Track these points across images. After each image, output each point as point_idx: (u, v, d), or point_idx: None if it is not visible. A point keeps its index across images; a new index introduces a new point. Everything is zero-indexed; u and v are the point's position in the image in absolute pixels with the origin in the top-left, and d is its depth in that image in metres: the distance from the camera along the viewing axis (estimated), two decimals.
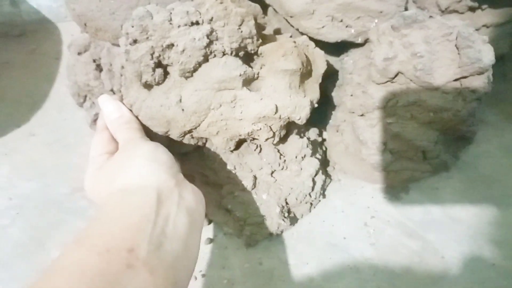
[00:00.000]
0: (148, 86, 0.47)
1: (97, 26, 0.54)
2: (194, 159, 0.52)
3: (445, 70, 0.47)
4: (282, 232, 0.52)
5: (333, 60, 0.62)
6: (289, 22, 0.56)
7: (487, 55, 0.47)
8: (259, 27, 0.49)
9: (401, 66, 0.47)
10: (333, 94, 0.59)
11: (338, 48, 0.60)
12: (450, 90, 0.48)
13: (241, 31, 0.45)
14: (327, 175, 0.57)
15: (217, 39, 0.44)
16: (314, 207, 0.55)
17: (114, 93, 0.60)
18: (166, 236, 0.29)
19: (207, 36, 0.43)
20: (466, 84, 0.48)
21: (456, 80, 0.48)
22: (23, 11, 0.73)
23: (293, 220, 0.53)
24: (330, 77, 0.60)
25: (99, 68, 0.60)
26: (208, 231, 0.54)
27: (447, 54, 0.47)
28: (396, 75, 0.48)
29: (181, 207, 0.33)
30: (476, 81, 0.48)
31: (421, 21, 0.47)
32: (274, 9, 0.59)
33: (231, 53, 0.45)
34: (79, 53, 0.62)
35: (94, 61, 0.60)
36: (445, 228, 0.55)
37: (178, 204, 0.33)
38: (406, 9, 0.61)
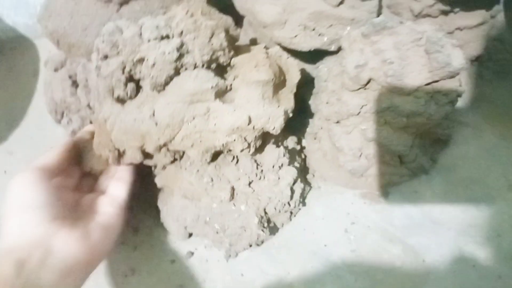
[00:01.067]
0: (121, 100, 0.47)
1: (70, 43, 0.54)
2: (171, 173, 0.52)
3: (416, 75, 0.47)
4: (262, 242, 0.52)
5: (309, 67, 0.63)
6: (263, 33, 0.57)
7: (457, 59, 0.48)
8: (232, 39, 0.50)
9: (372, 72, 0.48)
10: (310, 102, 0.59)
11: (314, 56, 0.60)
12: (422, 94, 0.48)
13: (212, 44, 0.45)
14: (306, 182, 0.57)
15: (187, 52, 0.44)
16: (294, 216, 0.55)
17: (90, 108, 0.60)
18: None
19: (177, 49, 0.43)
20: (437, 88, 0.49)
21: (427, 84, 0.48)
22: None
23: (273, 229, 0.53)
24: (307, 85, 0.61)
25: (75, 84, 0.60)
26: (188, 244, 0.53)
27: (417, 59, 0.48)
28: (368, 82, 0.49)
29: (48, 263, 0.30)
30: (447, 84, 0.49)
31: (390, 28, 0.48)
32: (249, 20, 0.59)
33: (203, 66, 0.45)
34: (55, 70, 0.62)
35: (70, 77, 0.60)
36: (426, 232, 0.55)
37: (43, 263, 0.30)
38: (378, 15, 0.62)
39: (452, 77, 0.49)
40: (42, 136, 0.65)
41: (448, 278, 0.50)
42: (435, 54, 0.47)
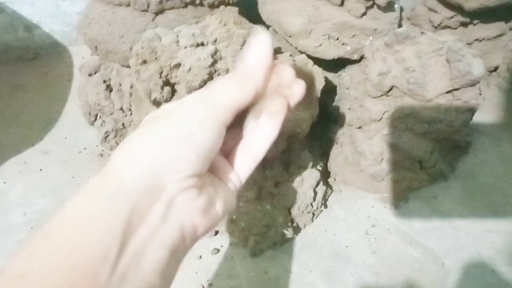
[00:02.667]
0: (157, 103, 0.50)
1: (107, 49, 0.57)
2: None
3: (437, 83, 0.49)
4: (286, 241, 0.54)
5: (331, 76, 0.65)
6: (288, 42, 0.59)
7: (477, 68, 0.50)
8: None
9: (394, 80, 0.50)
10: (332, 108, 0.61)
11: (336, 64, 0.63)
12: (443, 102, 0.50)
13: (244, 51, 0.48)
14: (328, 186, 0.59)
15: (221, 59, 0.47)
16: (317, 217, 0.57)
17: (123, 111, 0.63)
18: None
19: (212, 56, 0.46)
20: (458, 96, 0.51)
21: (448, 92, 0.50)
22: (36, 36, 0.77)
23: (296, 229, 0.55)
24: (329, 92, 0.63)
25: (109, 88, 0.63)
26: (214, 241, 0.56)
27: (438, 68, 0.50)
28: (390, 89, 0.51)
29: (162, 236, 0.21)
30: (467, 92, 0.51)
31: (412, 38, 0.50)
32: (274, 30, 0.62)
33: None
34: (89, 75, 0.66)
35: (104, 81, 0.64)
36: (445, 236, 0.56)
37: (155, 232, 0.20)
38: (399, 26, 0.64)
39: (472, 85, 0.51)
40: (76, 138, 0.68)
41: (467, 282, 0.51)
42: (456, 63, 0.49)
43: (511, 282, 0.51)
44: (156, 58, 0.46)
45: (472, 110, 0.52)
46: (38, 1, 0.71)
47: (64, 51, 0.79)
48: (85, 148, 0.67)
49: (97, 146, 0.66)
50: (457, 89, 0.50)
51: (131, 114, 0.62)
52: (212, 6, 0.56)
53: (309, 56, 0.57)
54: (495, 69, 0.76)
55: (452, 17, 0.66)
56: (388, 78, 0.50)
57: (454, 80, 0.49)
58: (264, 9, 0.59)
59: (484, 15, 0.66)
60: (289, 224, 0.53)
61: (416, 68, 0.48)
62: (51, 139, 0.68)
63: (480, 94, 0.54)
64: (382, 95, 0.52)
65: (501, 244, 0.55)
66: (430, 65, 0.49)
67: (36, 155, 0.66)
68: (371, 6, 0.56)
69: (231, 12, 0.51)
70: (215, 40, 0.47)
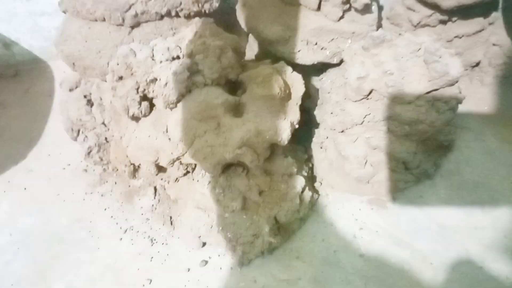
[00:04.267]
0: (135, 118, 0.49)
1: (85, 65, 0.56)
2: (184, 185, 0.54)
3: (416, 84, 0.49)
4: (274, 249, 0.54)
5: (313, 80, 0.65)
6: (267, 48, 0.59)
7: (455, 68, 0.50)
8: (239, 56, 0.52)
9: (373, 83, 0.50)
10: (315, 112, 0.61)
11: (317, 68, 0.63)
12: (423, 103, 0.50)
13: (221, 62, 0.48)
14: (314, 190, 0.59)
15: (198, 72, 0.47)
16: (304, 223, 0.57)
17: (105, 125, 0.63)
18: None
19: (188, 69, 0.45)
20: (437, 97, 0.51)
21: (427, 93, 0.50)
22: (16, 52, 0.76)
23: (285, 237, 0.55)
24: (311, 97, 0.63)
25: (90, 103, 0.63)
26: (202, 253, 0.55)
27: (416, 69, 0.50)
28: (370, 92, 0.51)
29: None
30: (447, 92, 0.51)
31: (389, 40, 0.50)
32: (253, 37, 0.62)
33: (212, 83, 0.48)
34: (70, 90, 0.65)
35: (85, 96, 0.63)
36: (433, 235, 0.57)
37: None
38: (378, 27, 0.64)
39: (451, 85, 0.51)
40: (59, 154, 0.68)
41: (456, 280, 0.52)
42: (433, 64, 0.49)
43: (500, 278, 0.52)
44: (132, 74, 0.46)
45: (453, 110, 0.52)
46: (15, 18, 0.71)
47: (45, 66, 0.78)
48: (69, 164, 0.66)
49: (81, 161, 0.66)
50: (436, 90, 0.50)
51: (112, 128, 0.62)
52: (188, 17, 0.56)
53: (288, 62, 0.57)
54: (477, 64, 0.77)
55: (430, 15, 0.66)
56: (367, 82, 0.50)
57: (433, 81, 0.49)
58: (242, 17, 0.59)
59: (462, 12, 0.66)
60: (277, 231, 0.53)
61: (394, 71, 0.48)
62: (35, 156, 0.68)
63: (460, 93, 0.54)
64: (362, 98, 0.52)
65: (489, 241, 0.56)
66: (408, 67, 0.49)
67: (20, 173, 0.66)
68: (348, 9, 0.56)
69: (207, 24, 0.51)
70: (191, 53, 0.47)
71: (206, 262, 0.55)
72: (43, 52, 0.79)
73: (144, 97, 0.47)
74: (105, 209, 0.62)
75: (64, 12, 0.59)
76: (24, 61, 0.78)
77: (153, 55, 0.47)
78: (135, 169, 0.56)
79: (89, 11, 0.53)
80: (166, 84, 0.45)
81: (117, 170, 0.59)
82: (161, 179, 0.55)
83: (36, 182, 0.65)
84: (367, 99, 0.52)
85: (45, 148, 0.70)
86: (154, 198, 0.60)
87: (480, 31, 0.72)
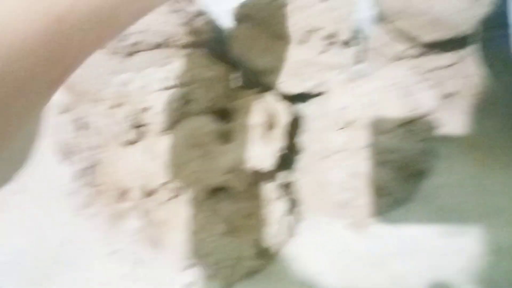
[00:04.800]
0: (127, 144, 0.51)
1: (80, 90, 0.58)
2: (171, 208, 0.56)
3: (393, 115, 0.53)
4: (256, 272, 0.56)
5: (299, 108, 0.68)
6: (256, 78, 0.62)
7: (429, 101, 0.54)
8: (229, 86, 0.55)
9: (354, 114, 0.53)
10: (299, 139, 0.64)
11: (303, 97, 0.66)
12: (399, 133, 0.53)
13: (211, 92, 0.50)
14: (296, 215, 0.61)
15: (189, 101, 0.49)
16: (286, 246, 0.59)
17: (95, 149, 0.64)
18: None
19: (181, 99, 0.48)
20: (413, 127, 0.54)
21: (404, 124, 0.54)
22: None
23: (266, 260, 0.57)
24: (297, 124, 0.66)
25: (79, 127, 0.64)
26: (187, 276, 0.57)
27: (394, 101, 0.53)
28: (351, 122, 0.54)
29: None
30: (421, 124, 0.55)
31: (369, 74, 0.54)
32: (243, 66, 0.65)
33: (203, 112, 0.50)
34: (61, 113, 0.67)
35: (75, 120, 0.65)
36: (409, 259, 0.59)
37: None
38: (362, 59, 0.68)
39: (425, 116, 0.55)
40: (49, 175, 0.69)
41: None
42: (408, 98, 0.53)
43: None
44: (125, 102, 0.48)
45: (427, 139, 0.56)
46: None
47: None
48: (58, 186, 0.67)
49: (70, 183, 0.67)
50: (412, 121, 0.54)
51: (102, 152, 0.63)
52: (182, 47, 0.58)
53: (276, 92, 0.60)
54: (452, 94, 0.81)
55: (410, 48, 0.70)
56: (348, 112, 0.53)
57: (409, 112, 0.52)
58: (233, 48, 0.62)
59: (440, 46, 0.70)
60: (259, 255, 0.55)
61: (372, 103, 0.52)
62: (25, 178, 0.69)
63: (434, 123, 0.57)
64: (343, 127, 0.55)
65: (461, 263, 0.58)
66: (386, 99, 0.53)
67: (10, 195, 0.66)
68: (332, 43, 0.60)
69: (200, 54, 0.54)
70: (184, 83, 0.50)
71: (191, 284, 0.56)
72: None
73: (136, 124, 0.49)
74: (92, 231, 0.63)
75: None
76: None
77: (146, 84, 0.49)
78: (123, 193, 0.57)
79: None
80: (158, 112, 0.47)
81: (106, 192, 0.60)
82: (149, 202, 0.57)
83: (26, 203, 0.66)
84: (348, 128, 0.55)
85: (35, 170, 0.71)
86: (141, 221, 0.62)
87: (456, 63, 0.76)
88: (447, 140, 0.76)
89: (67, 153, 0.66)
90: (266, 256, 0.58)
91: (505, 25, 0.66)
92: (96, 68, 0.58)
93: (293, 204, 0.63)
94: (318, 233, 0.62)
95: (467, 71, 0.82)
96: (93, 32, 0.19)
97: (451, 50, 0.74)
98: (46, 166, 0.70)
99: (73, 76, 0.59)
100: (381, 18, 0.72)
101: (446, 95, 0.80)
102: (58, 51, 0.17)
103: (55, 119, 0.66)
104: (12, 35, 0.15)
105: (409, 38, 0.67)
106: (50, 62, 0.17)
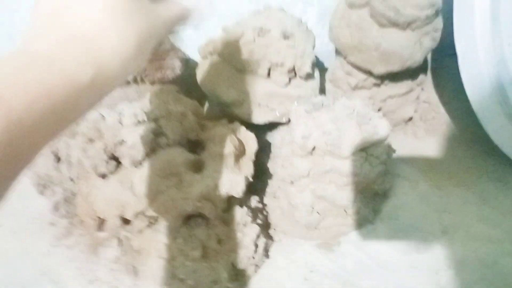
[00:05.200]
0: (103, 175, 0.54)
1: None
2: (148, 235, 0.58)
3: (351, 142, 0.57)
4: None
5: (266, 135, 0.72)
6: (224, 110, 0.66)
7: (383, 128, 0.59)
8: (199, 118, 0.59)
9: (315, 142, 0.58)
10: (268, 165, 0.68)
11: (270, 126, 0.71)
12: (358, 158, 0.58)
13: (182, 125, 0.54)
14: (268, 237, 0.64)
15: (161, 134, 0.53)
16: (259, 268, 0.62)
17: (72, 181, 0.67)
18: None
19: (153, 132, 0.51)
20: (370, 152, 0.59)
21: (361, 150, 0.58)
22: None
23: (241, 282, 0.60)
24: (265, 151, 0.70)
25: (57, 159, 0.67)
26: None
27: (351, 129, 0.58)
28: (313, 149, 0.58)
29: None
30: (377, 149, 0.60)
31: (327, 105, 0.59)
32: (212, 99, 0.69)
33: (174, 144, 0.54)
34: None
35: (53, 152, 0.67)
36: (375, 275, 0.63)
37: None
38: (321, 89, 0.74)
39: (381, 142, 0.60)
40: (26, 208, 0.70)
41: None
42: (364, 126, 0.58)
43: None
44: (101, 136, 0.52)
45: (384, 163, 0.61)
46: None
47: None
48: (36, 218, 0.69)
49: (48, 215, 0.68)
50: (368, 147, 0.59)
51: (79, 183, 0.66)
52: (152, 83, 0.63)
53: (243, 122, 0.65)
54: (410, 119, 0.88)
55: (366, 79, 0.76)
56: (310, 140, 0.58)
57: (365, 139, 0.57)
58: (201, 82, 0.67)
59: (393, 77, 0.77)
60: (234, 277, 0.58)
61: (332, 131, 0.56)
62: (1, 211, 0.70)
63: (389, 148, 0.63)
64: (307, 154, 0.59)
65: (423, 278, 0.62)
66: (344, 128, 0.58)
67: None
68: (294, 77, 0.65)
69: (170, 89, 0.58)
70: (156, 117, 0.53)
71: None
72: None
73: (112, 157, 0.52)
74: (71, 261, 0.64)
75: None
76: None
77: (120, 119, 0.53)
78: (101, 222, 0.60)
79: None
80: (132, 145, 0.51)
81: (83, 223, 0.62)
82: (126, 231, 0.59)
83: (3, 236, 0.67)
84: (311, 154, 0.60)
85: (11, 201, 0.71)
86: (119, 249, 0.64)
87: (410, 91, 0.83)
88: (404, 162, 0.81)
89: (46, 184, 0.68)
90: (242, 278, 0.60)
91: (455, 54, 0.73)
92: None
93: (267, 226, 0.66)
94: (290, 254, 0.65)
95: (422, 98, 0.89)
96: (51, 126, 0.20)
97: (403, 80, 0.81)
98: (23, 198, 0.71)
99: None
100: (337, 53, 0.78)
101: (402, 120, 0.87)
102: (17, 148, 0.18)
103: None
104: None
105: (363, 71, 0.73)
106: (10, 158, 0.18)
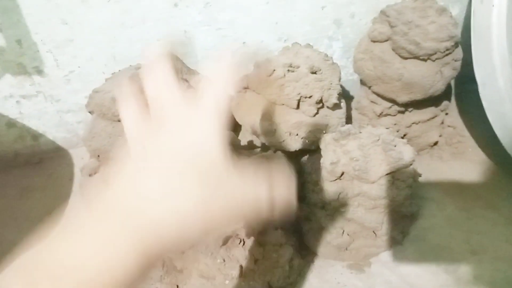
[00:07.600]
0: None
1: (108, 156, 0.68)
2: (189, 256, 0.64)
3: (378, 168, 0.62)
4: None
5: (297, 162, 0.77)
6: (258, 138, 0.72)
7: (407, 154, 0.63)
8: (235, 147, 0.65)
9: (344, 167, 0.62)
10: (300, 190, 0.73)
11: (300, 153, 0.75)
12: (384, 182, 0.62)
13: None
14: (302, 258, 0.68)
15: None
16: (294, 287, 0.65)
17: None
18: None
19: None
20: (396, 177, 0.63)
21: (387, 174, 0.62)
22: (41, 143, 0.88)
23: None
24: (298, 177, 0.75)
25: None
26: None
27: (377, 156, 0.62)
28: (342, 174, 0.63)
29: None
30: (403, 173, 0.63)
31: (354, 133, 0.63)
32: (246, 129, 0.75)
33: None
34: (90, 175, 0.77)
35: (104, 181, 0.74)
36: None
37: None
38: (348, 117, 0.78)
39: (406, 167, 0.64)
40: None
41: None
42: (389, 152, 0.62)
43: None
44: None
45: (410, 186, 0.64)
46: (44, 115, 0.84)
47: (66, 153, 0.90)
48: None
49: None
50: (394, 172, 0.62)
51: None
52: None
53: (276, 149, 0.70)
54: (435, 143, 0.91)
55: (390, 107, 0.80)
56: (339, 166, 0.62)
57: (390, 165, 0.61)
58: (237, 113, 0.73)
59: (417, 104, 0.81)
60: None
61: (359, 158, 0.61)
62: None
63: (415, 172, 0.66)
64: (336, 179, 0.63)
65: None
66: (370, 154, 0.62)
67: None
68: (322, 107, 0.70)
69: None
70: None
71: None
72: (65, 142, 0.90)
73: None
74: None
75: (90, 112, 0.72)
76: (48, 150, 0.89)
77: None
78: None
79: (114, 114, 0.66)
80: None
81: None
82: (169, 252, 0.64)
83: None
84: (340, 179, 0.64)
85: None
86: (162, 269, 0.69)
87: (434, 117, 0.87)
88: (432, 185, 0.84)
89: None
90: None
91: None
92: (121, 138, 0.68)
93: (300, 248, 0.70)
94: (322, 274, 0.68)
95: (446, 122, 0.92)
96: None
97: (427, 106, 0.84)
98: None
99: (103, 145, 0.69)
100: (362, 83, 0.83)
101: (427, 145, 0.90)
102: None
103: (85, 180, 0.76)
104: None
105: (388, 99, 0.78)
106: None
